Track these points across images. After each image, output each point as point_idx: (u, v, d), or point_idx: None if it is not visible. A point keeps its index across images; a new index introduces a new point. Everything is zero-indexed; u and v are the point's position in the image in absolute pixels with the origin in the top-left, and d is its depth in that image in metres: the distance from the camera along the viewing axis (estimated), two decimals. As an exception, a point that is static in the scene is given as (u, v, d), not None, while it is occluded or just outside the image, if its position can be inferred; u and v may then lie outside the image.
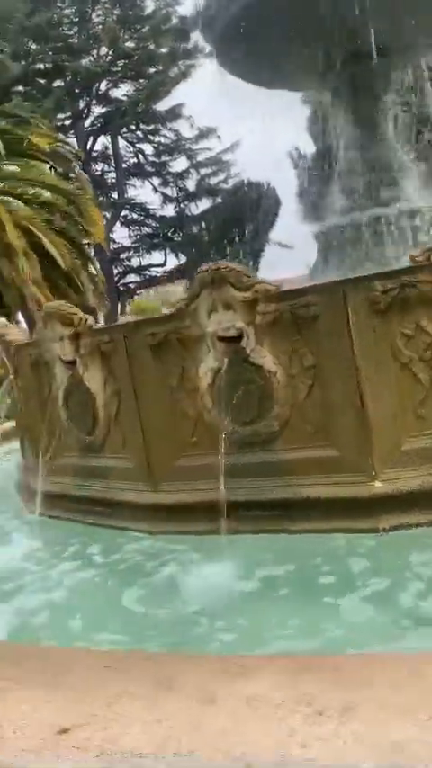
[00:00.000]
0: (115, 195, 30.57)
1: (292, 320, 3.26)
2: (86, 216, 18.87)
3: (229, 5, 5.64)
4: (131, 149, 31.40)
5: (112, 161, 30.99)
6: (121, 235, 30.66)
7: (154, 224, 31.27)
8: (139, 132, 30.89)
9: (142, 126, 30.58)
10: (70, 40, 27.94)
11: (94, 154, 30.16)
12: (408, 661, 1.83)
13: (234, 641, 2.30)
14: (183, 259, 30.11)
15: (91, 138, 29.64)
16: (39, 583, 3.24)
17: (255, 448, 3.46)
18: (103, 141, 30.75)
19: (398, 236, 5.42)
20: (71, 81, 28.35)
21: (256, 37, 5.66)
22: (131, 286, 31.48)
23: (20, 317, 18.26)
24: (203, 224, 27.77)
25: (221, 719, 1.58)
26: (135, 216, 31.48)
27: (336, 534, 3.21)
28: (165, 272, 30.92)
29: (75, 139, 27.62)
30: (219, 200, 29.24)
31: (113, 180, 31.10)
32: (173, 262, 30.94)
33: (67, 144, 19.94)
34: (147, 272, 31.46)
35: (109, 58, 28.57)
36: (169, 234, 30.92)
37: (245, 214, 25.90)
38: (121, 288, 30.45)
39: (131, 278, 31.78)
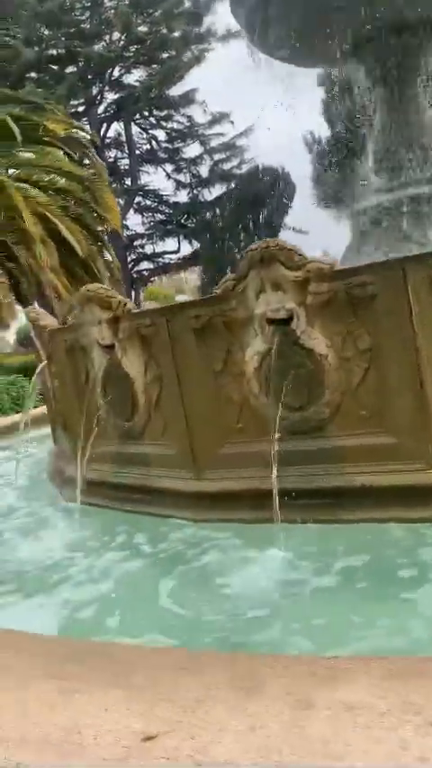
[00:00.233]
0: (128, 182, 30.37)
1: (347, 300, 3.11)
2: (102, 202, 18.71)
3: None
4: (144, 136, 31.14)
5: (125, 148, 30.76)
6: (135, 222, 30.49)
7: (167, 210, 31.08)
8: (151, 118, 30.63)
9: (155, 112, 30.32)
10: (83, 26, 27.65)
11: (107, 140, 29.93)
12: None
13: (307, 639, 2.17)
14: (196, 246, 29.90)
15: (104, 125, 29.41)
16: (85, 574, 3.13)
17: (304, 434, 3.33)
18: (116, 128, 30.54)
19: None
20: (84, 67, 28.10)
21: (288, 12, 5.48)
22: (145, 273, 31.33)
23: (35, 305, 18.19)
24: (217, 210, 27.51)
25: (320, 727, 1.45)
26: (148, 203, 31.30)
27: (390, 524, 3.08)
28: (178, 258, 30.74)
29: (87, 126, 27.40)
30: (232, 185, 28.96)
31: (126, 167, 30.88)
32: (186, 249, 30.76)
33: (83, 129, 19.72)
34: (160, 259, 31.29)
35: (121, 43, 28.27)
36: (182, 220, 30.72)
37: (259, 199, 25.66)
38: (135, 275, 30.31)
39: (145, 265, 31.63)
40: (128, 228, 29.24)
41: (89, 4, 28.21)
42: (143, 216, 31.07)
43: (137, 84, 29.09)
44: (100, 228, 19.50)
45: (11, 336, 29.89)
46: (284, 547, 2.97)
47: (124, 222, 27.39)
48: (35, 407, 10.70)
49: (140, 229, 30.61)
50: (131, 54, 28.43)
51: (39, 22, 26.69)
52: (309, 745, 1.40)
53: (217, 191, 29.92)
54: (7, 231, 16.36)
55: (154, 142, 31.05)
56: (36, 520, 4.27)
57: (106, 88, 29.75)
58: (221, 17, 26.76)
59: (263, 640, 2.23)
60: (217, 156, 30.01)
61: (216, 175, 29.91)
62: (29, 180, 16.94)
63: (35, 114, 17.60)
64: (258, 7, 5.82)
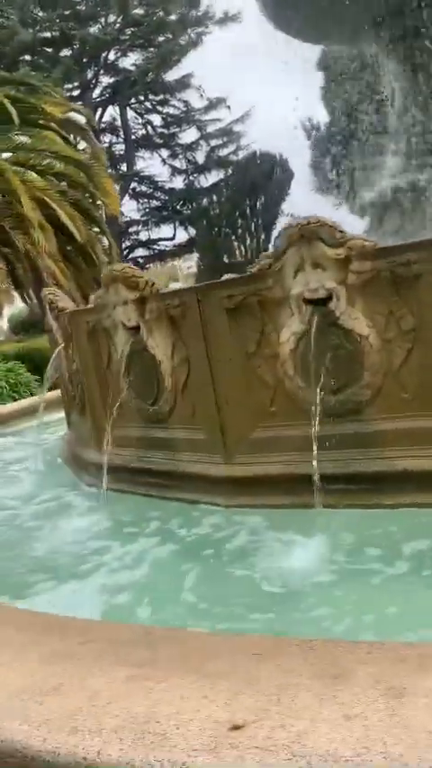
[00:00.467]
0: (123, 168, 30.09)
1: (390, 279, 3.03)
2: (100, 187, 18.51)
3: None
4: (140, 121, 30.87)
5: (121, 133, 30.47)
6: (130, 208, 30.25)
7: (163, 197, 30.85)
8: (147, 103, 30.34)
9: (151, 96, 30.02)
10: (78, 8, 27.28)
11: (102, 125, 29.60)
12: None
13: (370, 626, 2.11)
14: (192, 233, 29.71)
15: (99, 110, 29.08)
16: (120, 560, 3.06)
17: (342, 418, 3.25)
18: (111, 113, 30.23)
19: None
20: (79, 50, 27.77)
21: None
22: (140, 260, 31.11)
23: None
24: (214, 197, 27.29)
25: (421, 717, 1.38)
26: (144, 189, 31.05)
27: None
28: (174, 245, 30.56)
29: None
30: (229, 172, 28.75)
31: (121, 152, 30.60)
32: (182, 236, 30.58)
33: (80, 112, 19.45)
34: (156, 246, 31.10)
35: (117, 25, 27.93)
36: (178, 207, 30.50)
37: (256, 186, 25.47)
38: (130, 262, 30.09)
39: (140, 252, 31.43)
40: (123, 215, 28.99)
41: (84, -15, 27.88)
42: (138, 202, 30.85)
43: (133, 67, 28.78)
44: (98, 214, 19.31)
45: (4, 323, 29.64)
46: (328, 531, 2.90)
47: (119, 208, 27.15)
48: (32, 394, 10.58)
49: (136, 216, 30.39)
50: (127, 37, 28.11)
51: (33, 4, 26.34)
52: (413, 735, 1.33)
53: (213, 177, 29.73)
54: (4, 216, 16.14)
55: (149, 127, 30.79)
56: (60, 505, 4.20)
57: (101, 72, 29.42)
58: (219, 0, 26.51)
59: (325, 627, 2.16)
60: (213, 142, 29.79)
61: (212, 161, 29.70)
62: (26, 164, 16.70)
63: (33, 97, 17.34)
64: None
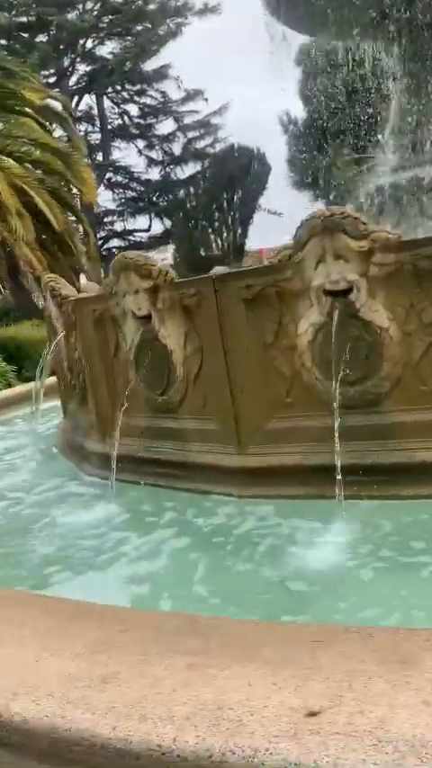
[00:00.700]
0: (99, 157, 29.80)
1: (413, 272, 3.05)
2: (78, 176, 18.32)
3: None
4: (116, 110, 30.62)
5: (97, 122, 30.19)
6: (105, 198, 30.00)
7: (139, 188, 30.69)
8: (124, 93, 30.11)
9: (128, 86, 29.81)
10: (55, -8, 26.90)
11: (78, 113, 29.27)
12: None
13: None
14: (168, 224, 29.59)
15: (75, 98, 28.75)
16: (139, 551, 3.03)
17: (360, 409, 3.27)
18: (88, 101, 29.91)
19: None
20: (55, 36, 27.40)
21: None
22: (115, 251, 30.85)
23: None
24: (191, 189, 27.21)
25: None
26: (119, 179, 30.85)
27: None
28: (149, 237, 30.39)
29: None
30: (206, 164, 28.68)
31: (97, 141, 30.30)
32: (158, 227, 30.43)
33: (58, 99, 19.21)
34: (131, 236, 30.90)
35: (95, 12, 27.63)
36: (154, 198, 30.35)
37: (234, 179, 25.45)
38: (104, 253, 29.84)
39: (114, 242, 31.20)
40: (98, 205, 28.75)
41: (62, -30, 27.46)
42: (114, 192, 30.66)
43: (110, 56, 28.50)
44: (74, 203, 19.11)
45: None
46: (350, 522, 2.92)
47: (95, 198, 26.87)
48: (10, 385, 10.43)
49: (111, 206, 30.16)
50: (105, 25, 27.82)
51: (10, -13, 25.89)
52: None
53: (190, 169, 29.66)
54: (-19, 203, 15.86)
55: (126, 117, 30.58)
56: (63, 495, 4.14)
57: (78, 59, 29.09)
58: (199, -10, 26.35)
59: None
60: (191, 134, 29.71)
61: (189, 153, 29.61)
62: (3, 150, 16.44)
63: (11, 82, 17.06)
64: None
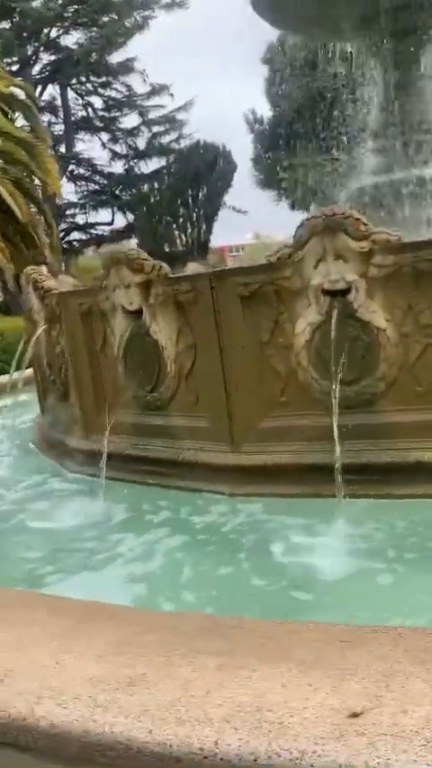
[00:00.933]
0: (62, 149, 29.36)
1: (412, 274, 3.08)
2: (42, 167, 18.03)
3: None
4: (80, 102, 30.21)
5: (60, 113, 29.74)
6: (67, 190, 29.59)
7: (102, 181, 30.37)
8: (89, 84, 29.74)
9: (93, 78, 29.44)
10: (20, -21, 26.38)
11: (42, 104, 28.77)
12: None
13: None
14: (131, 218, 29.37)
15: (39, 87, 28.25)
16: (134, 550, 2.99)
17: (356, 409, 3.29)
18: (51, 92, 29.44)
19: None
20: (19, 23, 26.87)
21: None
22: (76, 244, 30.52)
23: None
24: (155, 184, 27.06)
25: None
26: (82, 171, 30.48)
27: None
28: (112, 230, 30.11)
29: (22, 86, 26.24)
30: (170, 159, 28.56)
31: (60, 132, 29.84)
32: (120, 221, 30.17)
33: (23, 88, 18.86)
34: (93, 230, 30.57)
35: (60, 1, 27.19)
36: (117, 192, 30.07)
37: (199, 176, 25.43)
38: (65, 245, 29.45)
39: (76, 235, 30.83)
40: (61, 197, 28.33)
41: None
42: (76, 185, 30.26)
43: (75, 46, 28.10)
44: (37, 194, 18.79)
45: None
46: (348, 521, 2.93)
47: (56, 190, 26.45)
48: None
49: (73, 198, 29.78)
50: (71, 14, 27.41)
51: (-28, -28, 25.29)
52: None
53: (154, 164, 29.46)
54: None
55: (90, 109, 30.21)
56: (43, 492, 4.07)
57: (42, 48, 28.60)
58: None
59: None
60: (155, 129, 29.51)
61: (154, 148, 29.42)
62: (-35, 139, 16.09)
63: (-25, 69, 16.68)
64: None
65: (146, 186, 27.50)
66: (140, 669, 1.73)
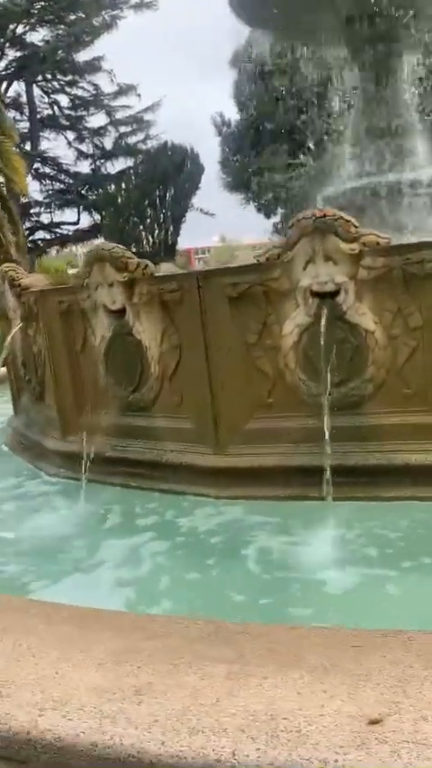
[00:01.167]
0: (27, 147, 28.93)
1: (402, 277, 3.08)
2: (9, 164, 17.78)
3: None
4: (46, 100, 29.76)
5: (25, 110, 29.27)
6: (32, 189, 29.12)
7: (67, 180, 29.97)
8: (55, 82, 29.30)
9: (59, 76, 29.02)
10: (-15, -26, 25.94)
11: (6, 100, 28.33)
12: None
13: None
14: (97, 218, 29.06)
15: (4, 84, 27.83)
16: (122, 554, 2.93)
17: (343, 411, 3.28)
18: (16, 88, 28.98)
19: (422, 204, 5.36)
20: (-17, 18, 26.38)
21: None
22: (40, 243, 30.09)
23: None
24: (122, 184, 26.81)
25: None
26: (47, 170, 30.02)
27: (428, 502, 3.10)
28: (77, 230, 29.77)
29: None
30: (138, 160, 28.34)
31: (25, 130, 29.38)
32: (86, 221, 29.83)
33: (-11, 84, 18.54)
34: (58, 229, 30.17)
35: (27, -3, 26.77)
36: (83, 192, 29.75)
37: (167, 177, 25.29)
38: (30, 245, 29.03)
39: (40, 234, 30.40)
40: (26, 195, 27.93)
41: None
42: (41, 183, 29.79)
43: (42, 43, 27.70)
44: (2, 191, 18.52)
45: None
46: (339, 525, 2.92)
47: (21, 188, 26.06)
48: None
49: (38, 197, 29.34)
50: (38, 11, 27.01)
51: None
52: None
53: (121, 164, 29.17)
54: None
55: (56, 107, 29.76)
56: (20, 495, 3.97)
57: (7, 44, 28.12)
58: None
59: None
60: (122, 129, 29.25)
61: (121, 148, 29.16)
62: None
63: None
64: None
65: (113, 186, 27.21)
66: (145, 678, 1.67)
